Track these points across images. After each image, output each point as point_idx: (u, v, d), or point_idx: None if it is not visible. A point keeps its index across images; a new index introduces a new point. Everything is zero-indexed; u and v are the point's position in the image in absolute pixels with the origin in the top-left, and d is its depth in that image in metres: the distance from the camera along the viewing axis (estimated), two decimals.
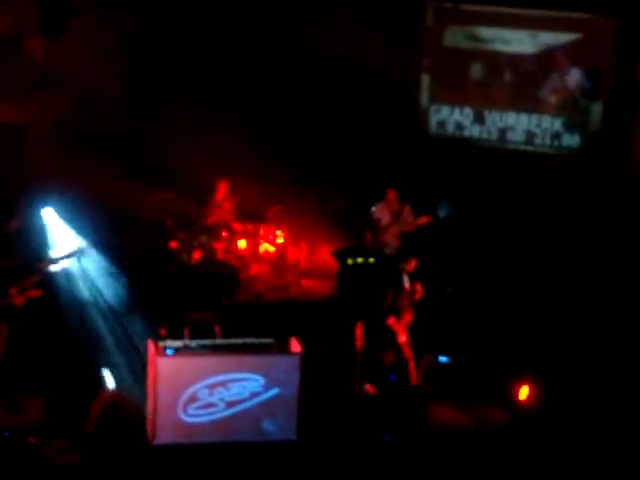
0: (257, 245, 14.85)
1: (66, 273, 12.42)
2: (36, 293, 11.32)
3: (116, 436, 10.66)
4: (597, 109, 15.25)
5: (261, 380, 10.71)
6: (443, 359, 11.57)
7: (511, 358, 12.08)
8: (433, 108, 16.14)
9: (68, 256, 11.72)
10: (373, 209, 13.47)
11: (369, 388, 11.56)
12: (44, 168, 14.70)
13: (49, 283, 11.84)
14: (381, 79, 15.69)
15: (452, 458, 10.62)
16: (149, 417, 10.69)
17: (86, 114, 15.05)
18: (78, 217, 13.24)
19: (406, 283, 11.63)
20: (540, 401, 11.48)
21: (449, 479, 10.27)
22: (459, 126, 15.97)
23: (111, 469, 10.12)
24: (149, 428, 10.65)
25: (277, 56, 15.97)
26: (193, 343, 10.89)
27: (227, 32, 15.65)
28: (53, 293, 12.08)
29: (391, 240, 13.29)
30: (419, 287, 11.61)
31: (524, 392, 11.58)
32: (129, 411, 10.94)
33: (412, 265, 11.63)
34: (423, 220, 13.25)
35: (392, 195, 13.42)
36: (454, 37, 15.83)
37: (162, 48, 15.60)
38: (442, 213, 13.54)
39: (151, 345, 10.75)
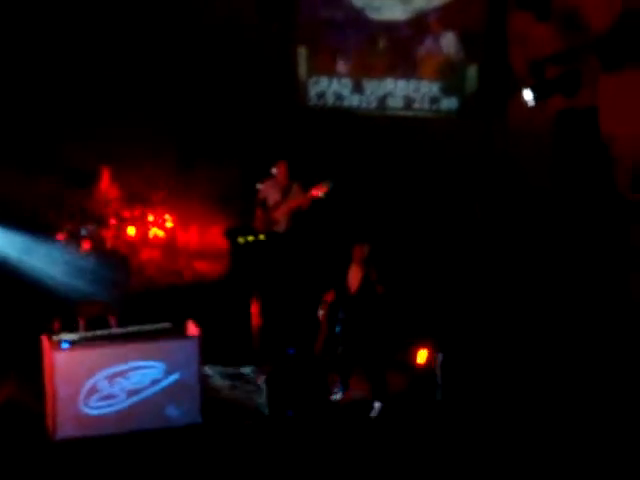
0: (146, 230, 14.74)
1: None
2: None
3: (16, 432, 10.52)
4: (473, 71, 15.45)
5: (161, 366, 10.67)
6: (338, 329, 11.68)
7: (410, 324, 12.27)
8: (311, 80, 16.16)
9: None
10: (259, 186, 13.36)
11: None
12: None
13: None
14: (258, 53, 15.64)
15: (353, 428, 10.78)
16: (48, 412, 10.57)
17: None
18: None
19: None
20: (436, 365, 11.68)
21: (354, 449, 10.40)
22: (339, 96, 16.04)
23: (12, 466, 9.98)
24: (50, 423, 10.54)
25: (152, 28, 15.71)
26: (88, 334, 10.80)
27: (103, 12, 15.38)
28: None
29: (282, 218, 13.18)
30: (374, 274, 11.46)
31: (422, 356, 11.77)
32: (30, 406, 10.82)
33: (365, 250, 11.47)
34: (317, 191, 13.00)
35: (281, 169, 13.18)
36: (327, 8, 15.85)
37: (46, 32, 15.22)
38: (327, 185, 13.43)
39: (45, 340, 10.62)
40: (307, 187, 13.15)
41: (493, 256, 14.02)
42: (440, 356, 11.44)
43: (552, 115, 14.30)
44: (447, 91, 15.54)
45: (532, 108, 14.09)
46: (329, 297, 11.39)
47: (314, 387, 11.28)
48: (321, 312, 11.42)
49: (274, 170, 13.23)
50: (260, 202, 13.20)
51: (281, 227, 13.19)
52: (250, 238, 13.18)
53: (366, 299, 11.22)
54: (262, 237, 13.14)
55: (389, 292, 11.23)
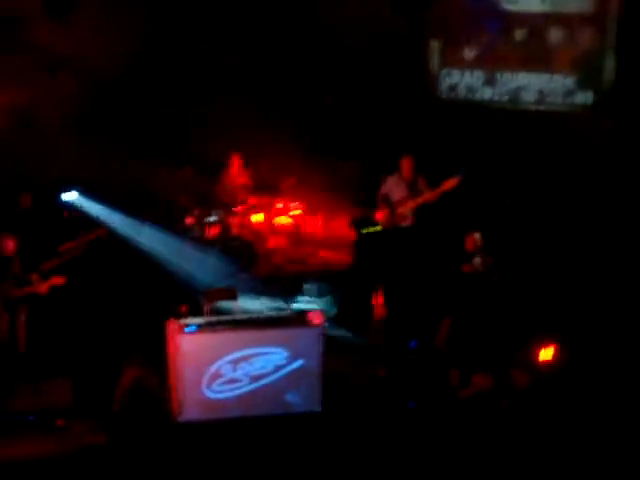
0: (273, 218, 14.84)
1: (89, 256, 12.46)
2: (59, 281, 11.35)
3: (142, 414, 10.71)
4: (610, 65, 15.11)
5: (284, 353, 10.73)
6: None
7: (533, 321, 12.05)
8: (443, 72, 16.04)
9: (90, 240, 11.76)
10: (385, 181, 13.25)
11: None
12: (55, 152, 14.70)
13: (72, 267, 11.87)
14: (391, 45, 15.58)
15: (476, 423, 10.64)
16: (173, 395, 10.72)
17: (95, 96, 14.99)
18: (97, 201, 13.27)
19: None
20: (562, 363, 11.46)
21: (475, 444, 10.27)
22: (470, 89, 15.87)
23: (137, 448, 10.18)
24: (174, 405, 10.69)
25: (286, 25, 15.85)
26: (213, 319, 10.92)
27: (236, 6, 15.54)
28: (76, 277, 12.08)
29: (408, 213, 13.05)
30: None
31: (547, 354, 11.55)
32: (154, 389, 10.99)
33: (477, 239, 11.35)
34: (448, 185, 12.87)
35: (407, 162, 13.10)
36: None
37: (169, 24, 15.50)
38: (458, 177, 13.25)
39: (171, 323, 10.77)
40: (433, 181, 13.03)
41: (618, 253, 13.65)
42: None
43: None
44: (582, 85, 15.23)
45: None
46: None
47: (436, 380, 11.20)
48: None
49: (400, 165, 13.15)
50: (383, 197, 13.12)
51: (407, 222, 13.09)
52: (376, 228, 13.15)
53: (481, 290, 11.07)
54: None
55: (504, 285, 11.05)
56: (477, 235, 11.22)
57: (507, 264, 11.27)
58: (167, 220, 14.00)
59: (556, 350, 11.52)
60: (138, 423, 10.57)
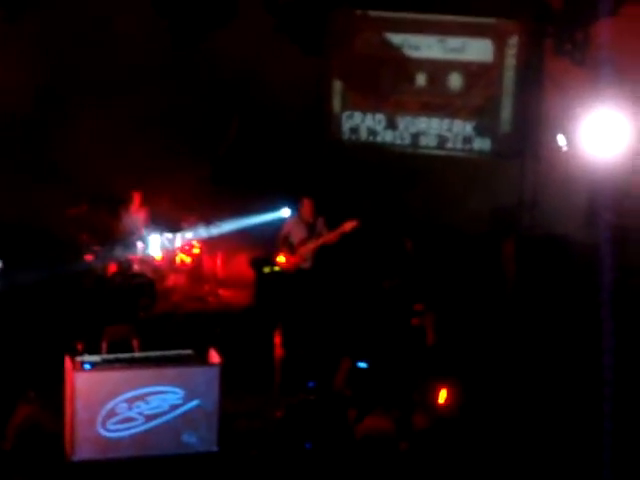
0: (173, 256, 14.78)
1: None
2: None
3: (34, 452, 10.50)
4: (507, 112, 15.48)
5: (180, 392, 10.62)
6: (362, 364, 11.59)
7: (430, 362, 12.18)
8: (345, 114, 16.22)
9: None
10: (285, 222, 13.31)
11: None
12: None
13: None
14: (293, 86, 15.70)
15: (374, 464, 10.67)
16: (67, 433, 10.55)
17: None
18: None
19: None
20: (459, 404, 11.59)
21: None
22: (372, 132, 16.07)
23: None
24: (67, 444, 10.51)
25: (188, 63, 15.86)
26: (110, 357, 10.80)
27: (138, 42, 15.50)
28: None
29: (308, 254, 13.12)
30: None
31: (443, 396, 11.67)
32: (47, 426, 10.78)
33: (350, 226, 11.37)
34: (348, 226, 12.98)
35: (307, 204, 13.20)
36: (364, 43, 15.92)
37: (72, 59, 15.41)
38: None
39: (68, 360, 10.62)
40: (334, 223, 13.12)
41: (523, 298, 13.94)
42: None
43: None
44: (481, 131, 15.55)
45: (566, 152, 14.07)
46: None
47: (333, 421, 11.21)
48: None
49: (300, 206, 13.23)
50: (284, 239, 13.17)
51: (307, 264, 13.15)
52: (276, 268, 13.19)
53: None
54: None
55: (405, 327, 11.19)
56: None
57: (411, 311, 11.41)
58: (65, 257, 13.85)
59: (452, 392, 11.66)
60: (30, 462, 10.36)
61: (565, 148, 13.99)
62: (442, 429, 11.30)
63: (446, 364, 12.29)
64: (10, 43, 14.97)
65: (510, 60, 15.40)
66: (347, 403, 11.37)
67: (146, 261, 14.32)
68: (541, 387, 12.10)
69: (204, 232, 14.60)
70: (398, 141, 15.97)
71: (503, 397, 11.85)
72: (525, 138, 15.34)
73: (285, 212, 13.73)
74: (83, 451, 10.39)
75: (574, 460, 10.65)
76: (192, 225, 14.79)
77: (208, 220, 14.71)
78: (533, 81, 15.24)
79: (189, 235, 14.65)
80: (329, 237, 13.04)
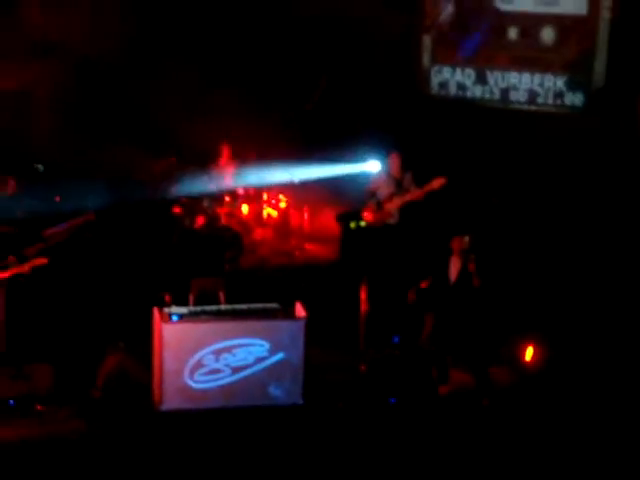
0: (260, 210, 14.84)
1: (72, 241, 12.43)
2: (41, 261, 11.35)
3: (123, 402, 10.72)
4: (600, 66, 15.15)
5: (266, 345, 10.74)
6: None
7: (516, 319, 12.09)
8: (435, 69, 16.05)
9: (74, 225, 11.75)
10: (373, 178, 13.26)
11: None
12: (46, 134, 14.68)
13: (55, 250, 11.85)
14: (383, 41, 15.60)
15: (457, 421, 10.68)
16: (155, 383, 10.74)
17: (84, 82, 14.97)
18: (83, 185, 13.26)
19: None
20: (545, 362, 11.52)
21: (455, 442, 10.30)
22: (461, 87, 15.88)
23: (117, 435, 10.18)
24: (155, 394, 10.71)
25: (278, 19, 15.84)
26: (198, 309, 10.92)
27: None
28: (58, 260, 12.07)
29: (395, 210, 13.05)
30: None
31: (529, 353, 11.61)
32: (136, 376, 10.99)
33: (464, 242, 11.37)
34: (436, 184, 12.84)
35: (395, 160, 13.11)
36: None
37: (159, 11, 15.48)
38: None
39: (156, 312, 10.78)
40: (421, 179, 13.03)
41: (605, 255, 13.70)
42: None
43: None
44: (573, 86, 15.26)
45: None
46: (424, 284, 11.31)
47: (418, 376, 11.22)
48: (411, 297, 11.35)
49: (388, 161, 13.16)
50: (371, 194, 13.13)
51: (394, 219, 13.09)
52: (362, 224, 13.16)
53: (464, 290, 11.11)
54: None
55: (488, 284, 11.07)
56: (466, 238, 11.24)
57: (491, 265, 11.28)
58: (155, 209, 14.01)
59: (537, 349, 11.58)
60: (119, 410, 10.58)
61: None
62: (526, 386, 11.25)
63: (532, 320, 12.21)
64: None
65: (605, 13, 15.03)
66: (431, 359, 11.36)
67: (233, 214, 14.40)
68: (628, 346, 11.95)
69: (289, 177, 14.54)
70: (487, 96, 15.76)
71: (588, 355, 11.73)
72: (619, 94, 15.00)
73: (374, 166, 13.62)
74: (171, 401, 10.59)
75: None
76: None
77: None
78: (629, 35, 14.86)
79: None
80: (416, 194, 12.96)
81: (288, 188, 14.94)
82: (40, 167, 14.62)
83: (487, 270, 11.15)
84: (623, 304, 12.78)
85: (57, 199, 13.64)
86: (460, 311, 11.13)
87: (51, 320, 11.93)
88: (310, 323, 10.86)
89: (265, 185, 14.77)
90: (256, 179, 14.54)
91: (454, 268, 11.25)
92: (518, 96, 15.57)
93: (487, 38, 15.65)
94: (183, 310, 10.80)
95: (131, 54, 15.38)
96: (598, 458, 10.01)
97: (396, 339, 11.97)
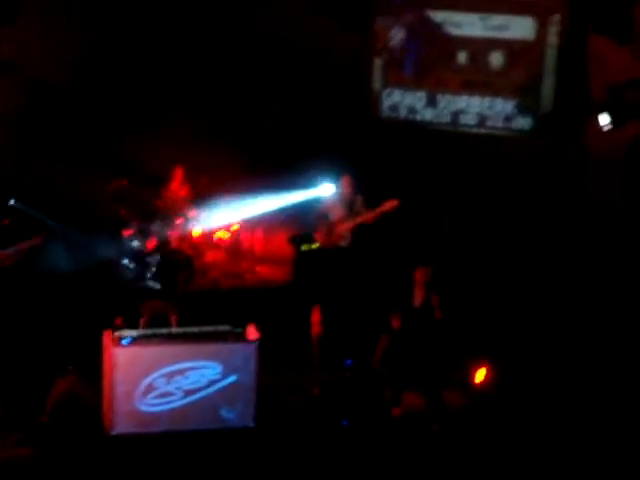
0: (212, 232, 14.80)
1: (20, 264, 12.31)
2: None
3: (73, 426, 10.60)
4: (548, 91, 15.34)
5: (218, 368, 10.69)
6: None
7: (467, 341, 12.16)
8: (385, 92, 16.15)
9: (23, 247, 11.64)
10: (325, 200, 13.28)
11: None
12: None
13: (5, 275, 11.75)
14: (332, 63, 15.68)
15: (410, 442, 10.70)
16: (106, 407, 10.64)
17: (36, 102, 14.87)
18: (32, 209, 13.13)
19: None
20: (496, 384, 11.59)
21: (408, 464, 10.32)
22: (412, 110, 15.99)
23: (67, 461, 10.06)
24: (106, 418, 10.60)
25: (230, 40, 15.86)
26: (149, 332, 10.86)
27: (181, 18, 15.54)
28: (6, 283, 11.94)
29: (346, 232, 13.09)
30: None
31: (481, 375, 11.67)
32: (86, 401, 10.89)
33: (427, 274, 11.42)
34: (388, 206, 12.89)
35: (347, 182, 13.14)
36: (406, 21, 15.82)
37: (115, 35, 15.44)
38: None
39: (107, 335, 10.69)
40: (373, 201, 13.07)
41: (562, 277, 13.86)
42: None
43: (628, 141, 14.12)
44: (522, 110, 15.43)
45: (608, 132, 13.93)
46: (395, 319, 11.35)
47: (370, 399, 11.23)
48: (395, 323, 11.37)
49: (339, 184, 13.20)
50: (323, 216, 13.16)
51: (345, 241, 13.12)
52: (314, 246, 13.18)
53: (425, 320, 11.18)
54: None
55: (448, 317, 11.18)
56: (428, 269, 11.33)
57: (446, 290, 11.38)
58: (105, 231, 13.90)
59: (488, 371, 11.65)
60: (69, 435, 10.46)
61: (607, 128, 13.84)
62: (477, 408, 11.31)
63: (483, 343, 12.29)
64: (56, 15, 15.02)
65: (552, 38, 15.24)
66: (384, 381, 11.38)
67: (184, 237, 14.34)
68: (579, 367, 12.07)
69: (242, 208, 14.58)
70: (438, 119, 15.89)
71: (538, 377, 11.83)
72: (567, 118, 15.19)
73: (327, 189, 13.64)
74: (122, 425, 10.49)
75: (610, 442, 10.62)
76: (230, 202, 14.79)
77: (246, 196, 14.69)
78: (575, 60, 15.07)
79: (229, 211, 14.62)
80: (368, 216, 13.00)
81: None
82: None
83: (443, 296, 11.24)
84: (573, 324, 12.93)
85: (5, 222, 13.49)
86: (416, 336, 11.18)
87: None
88: (263, 345, 10.83)
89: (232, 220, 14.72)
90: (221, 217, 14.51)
91: (417, 298, 11.32)
92: (468, 119, 15.72)
93: (437, 62, 15.80)
94: (134, 333, 10.72)
95: (85, 75, 15.30)
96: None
97: (348, 362, 11.98)
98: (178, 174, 14.59)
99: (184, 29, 15.65)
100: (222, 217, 14.54)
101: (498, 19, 15.43)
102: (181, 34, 15.63)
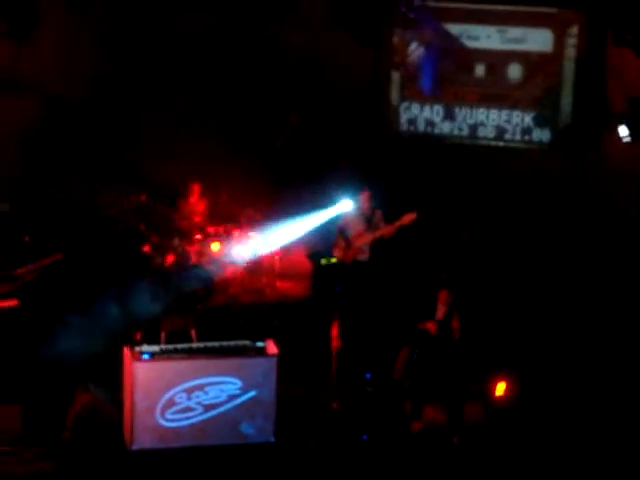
0: (231, 247, 14.82)
1: (41, 281, 12.37)
2: (10, 303, 11.26)
3: (93, 442, 10.62)
4: (567, 103, 15.32)
5: (238, 383, 10.69)
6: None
7: (487, 354, 12.12)
8: (403, 106, 16.16)
9: (43, 264, 11.68)
10: (344, 215, 13.30)
11: None
12: (14, 172, 14.63)
13: (24, 291, 11.79)
14: (352, 78, 15.70)
15: (430, 457, 10.66)
16: (126, 422, 10.65)
17: (55, 118, 14.96)
18: (51, 225, 13.22)
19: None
20: (516, 397, 11.54)
21: (428, 477, 10.28)
22: (430, 123, 15.99)
23: (88, 476, 10.07)
24: (127, 433, 10.61)
25: (249, 56, 15.92)
26: (169, 347, 10.87)
27: (198, 34, 15.60)
28: (28, 299, 11.99)
29: (365, 246, 13.10)
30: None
31: (501, 388, 11.62)
32: (106, 416, 10.90)
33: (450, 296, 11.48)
34: (406, 219, 12.90)
35: (365, 197, 13.16)
36: (423, 34, 15.83)
37: (132, 50, 15.52)
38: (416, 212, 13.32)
39: (127, 350, 10.71)
40: (391, 215, 13.08)
41: (583, 289, 13.80)
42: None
43: None
44: (540, 122, 15.41)
45: (628, 144, 13.89)
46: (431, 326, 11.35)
47: (390, 413, 11.20)
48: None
49: (358, 199, 13.22)
50: (341, 231, 13.17)
51: (364, 256, 13.13)
52: (333, 260, 13.19)
53: (444, 339, 11.18)
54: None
55: (468, 332, 11.18)
56: (451, 293, 11.35)
57: (467, 304, 11.38)
58: (124, 247, 13.96)
59: (509, 385, 11.60)
60: (90, 450, 10.47)
61: (627, 139, 13.80)
62: (498, 422, 11.27)
63: (504, 357, 12.24)
64: (74, 31, 15.12)
65: (570, 50, 15.24)
66: (404, 395, 11.35)
67: (204, 253, 14.37)
68: (599, 381, 12.01)
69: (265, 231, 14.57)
70: (456, 132, 15.89)
71: (560, 391, 11.78)
72: (586, 130, 15.16)
73: (346, 205, 13.63)
74: (142, 440, 10.49)
75: (629, 458, 10.56)
76: (250, 219, 14.82)
77: (267, 216, 14.70)
78: (594, 72, 15.05)
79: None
80: (387, 230, 13.01)
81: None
82: (6, 206, 14.58)
83: (464, 312, 11.23)
84: (592, 337, 12.87)
85: (26, 239, 13.57)
86: (438, 350, 11.16)
87: (21, 360, 11.81)
88: (282, 360, 10.83)
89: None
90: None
91: (439, 313, 11.32)
92: (486, 132, 15.72)
93: (455, 75, 15.80)
94: (154, 348, 10.73)
95: (103, 92, 15.37)
96: None
97: (368, 375, 11.95)
98: (196, 189, 14.64)
99: (205, 44, 15.71)
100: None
101: (515, 31, 15.43)
102: (202, 48, 15.70)
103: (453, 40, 15.64)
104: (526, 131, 15.56)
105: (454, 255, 14.14)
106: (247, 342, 10.90)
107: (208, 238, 14.56)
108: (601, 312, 13.39)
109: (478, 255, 14.37)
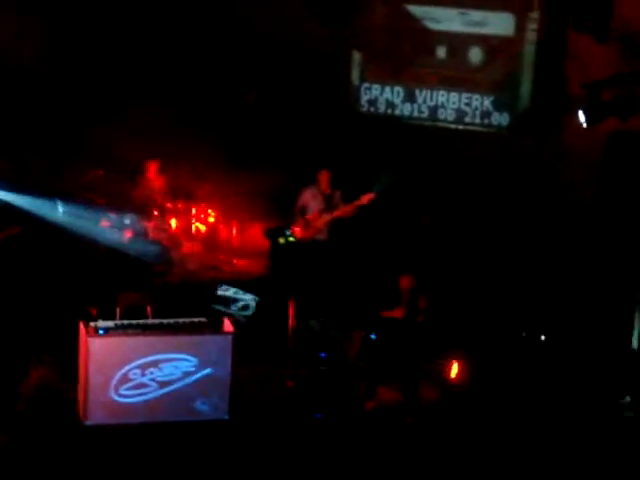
0: (189, 224, 14.80)
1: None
2: None
3: (47, 416, 10.60)
4: (526, 88, 15.38)
5: (193, 360, 10.71)
6: (372, 336, 11.66)
7: (444, 336, 12.22)
8: (364, 86, 16.16)
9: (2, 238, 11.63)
10: (302, 193, 13.32)
11: None
12: None
13: None
14: (312, 57, 15.65)
15: (383, 436, 10.74)
16: (80, 397, 10.65)
17: (8, 85, 14.79)
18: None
19: None
20: (470, 378, 11.66)
21: (381, 458, 10.37)
22: (390, 104, 16.01)
23: (41, 450, 10.06)
24: (80, 408, 10.62)
25: (209, 32, 15.82)
26: (124, 323, 10.85)
27: (159, 8, 15.48)
28: None
29: (323, 226, 13.13)
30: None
31: (454, 369, 11.73)
32: (61, 390, 10.89)
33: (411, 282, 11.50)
34: (365, 200, 12.96)
35: (324, 176, 13.19)
36: (384, 15, 15.83)
37: (89, 22, 15.37)
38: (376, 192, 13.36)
39: (82, 326, 10.69)
40: (350, 195, 13.12)
41: (538, 271, 13.92)
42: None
43: (604, 137, 14.18)
44: (499, 106, 15.47)
45: (585, 129, 13.99)
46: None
47: (344, 393, 11.27)
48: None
49: (317, 178, 13.23)
50: (299, 209, 13.20)
51: (322, 235, 13.17)
52: (291, 239, 13.21)
53: (408, 322, 11.25)
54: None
55: (429, 318, 11.27)
56: (412, 277, 11.42)
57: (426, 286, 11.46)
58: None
59: (463, 366, 11.71)
60: (43, 424, 10.45)
61: (585, 125, 13.90)
62: (451, 402, 11.38)
63: (457, 338, 12.35)
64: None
65: (531, 35, 15.26)
66: (358, 375, 11.42)
67: (162, 228, 14.35)
68: (552, 362, 12.16)
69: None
70: (416, 114, 15.91)
71: (513, 372, 11.91)
72: (545, 114, 15.24)
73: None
74: (96, 416, 10.50)
75: (583, 440, 10.70)
76: (207, 196, 14.82)
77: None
78: (554, 57, 15.12)
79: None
80: (345, 210, 13.05)
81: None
82: None
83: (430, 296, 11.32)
84: (548, 318, 13.01)
85: None
86: (399, 335, 11.25)
87: None
88: (238, 338, 10.85)
89: None
90: None
91: (403, 301, 11.41)
92: (446, 114, 15.73)
93: (415, 56, 15.81)
94: (109, 324, 10.71)
95: (59, 62, 15.20)
96: (521, 473, 10.17)
97: (323, 355, 12.01)
98: (153, 165, 14.58)
99: (160, 15, 15.56)
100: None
101: (477, 15, 15.43)
102: (157, 20, 15.54)
103: (414, 21, 15.64)
104: (485, 114, 15.59)
105: (414, 237, 14.21)
106: (203, 319, 10.91)
107: (166, 214, 14.52)
108: (557, 293, 13.52)
109: (438, 237, 14.45)
